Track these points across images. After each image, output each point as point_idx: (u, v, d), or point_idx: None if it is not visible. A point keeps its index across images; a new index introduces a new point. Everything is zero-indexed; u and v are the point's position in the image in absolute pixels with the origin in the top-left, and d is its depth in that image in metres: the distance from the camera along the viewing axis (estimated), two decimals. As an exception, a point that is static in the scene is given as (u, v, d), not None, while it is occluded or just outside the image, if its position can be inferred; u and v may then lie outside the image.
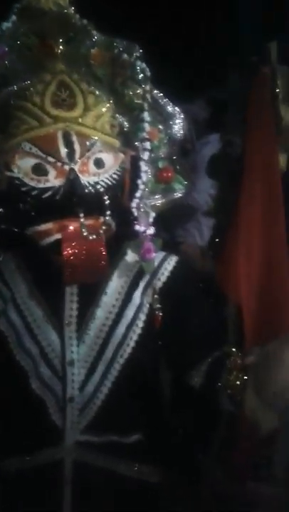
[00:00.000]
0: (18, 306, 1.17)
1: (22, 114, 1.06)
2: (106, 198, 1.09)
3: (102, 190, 1.09)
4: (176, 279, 1.21)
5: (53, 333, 1.15)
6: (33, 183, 1.06)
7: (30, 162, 1.06)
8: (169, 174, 1.20)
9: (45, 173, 1.06)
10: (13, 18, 1.13)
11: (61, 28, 1.14)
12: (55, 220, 1.07)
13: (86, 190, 1.06)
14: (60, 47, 1.12)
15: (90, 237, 1.06)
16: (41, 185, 1.06)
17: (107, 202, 1.09)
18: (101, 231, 1.09)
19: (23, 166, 1.07)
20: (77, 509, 1.15)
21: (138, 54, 1.19)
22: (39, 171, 1.06)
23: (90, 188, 1.08)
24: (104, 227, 1.10)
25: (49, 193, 1.06)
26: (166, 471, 1.21)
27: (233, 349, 1.12)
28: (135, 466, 1.19)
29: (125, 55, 1.17)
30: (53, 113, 1.06)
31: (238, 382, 1.06)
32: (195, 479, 1.26)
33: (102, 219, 1.10)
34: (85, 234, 1.06)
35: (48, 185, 1.06)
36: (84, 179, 1.07)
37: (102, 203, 1.09)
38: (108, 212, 1.09)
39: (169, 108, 1.23)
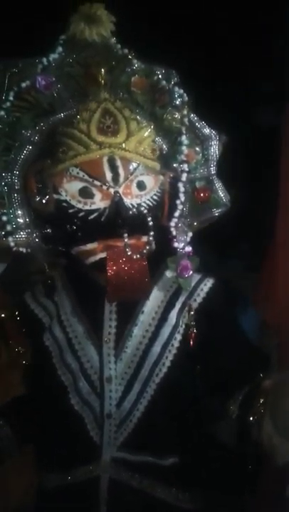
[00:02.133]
0: (62, 322, 1.20)
1: (69, 141, 1.10)
2: (149, 218, 1.11)
3: (144, 211, 1.11)
4: (212, 301, 1.21)
5: (93, 350, 1.17)
6: (79, 205, 1.10)
7: (77, 186, 1.10)
8: (206, 194, 1.22)
9: (91, 196, 1.09)
10: (59, 49, 1.18)
11: (104, 58, 1.19)
12: (100, 240, 1.09)
13: (130, 212, 1.09)
14: (103, 75, 1.17)
15: (134, 257, 1.08)
16: (87, 207, 1.09)
17: (150, 223, 1.11)
18: (144, 251, 1.11)
19: (70, 189, 1.10)
20: None
21: (176, 80, 1.23)
22: (86, 194, 1.09)
23: (134, 209, 1.10)
24: (147, 247, 1.12)
25: (95, 215, 1.09)
26: (205, 499, 1.19)
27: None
28: (172, 490, 1.17)
29: (164, 82, 1.20)
30: (99, 139, 1.09)
31: (261, 409, 1.04)
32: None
33: (144, 239, 1.12)
34: (128, 253, 1.08)
35: (94, 207, 1.09)
36: (127, 201, 1.10)
37: (145, 223, 1.11)
38: (151, 233, 1.12)
39: (206, 130, 1.25)
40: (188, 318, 1.17)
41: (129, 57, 1.20)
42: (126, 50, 1.21)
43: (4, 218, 1.13)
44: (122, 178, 1.10)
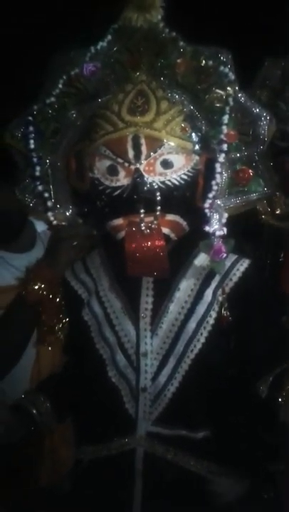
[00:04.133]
0: (100, 298, 1.24)
1: (102, 121, 1.13)
2: (172, 197, 1.11)
3: (167, 189, 1.11)
4: (247, 282, 1.19)
5: (130, 325, 1.20)
6: (107, 182, 1.13)
7: (105, 164, 1.12)
8: (246, 175, 1.16)
9: (117, 173, 1.12)
10: (108, 37, 1.21)
11: (150, 42, 1.19)
12: (123, 216, 1.12)
13: (146, 188, 1.09)
14: (146, 59, 1.18)
15: (146, 231, 1.08)
16: (113, 184, 1.12)
17: (174, 201, 1.11)
18: (162, 228, 1.11)
19: (100, 167, 1.13)
20: (147, 500, 1.17)
21: (225, 59, 1.20)
22: (112, 171, 1.12)
23: (155, 186, 1.10)
24: (171, 225, 1.12)
25: (118, 191, 1.11)
26: (234, 473, 1.18)
27: None
28: (204, 463, 1.17)
29: (210, 62, 1.19)
30: (126, 118, 1.10)
31: None
32: (263, 487, 1.20)
33: (170, 217, 1.12)
34: (143, 229, 1.09)
35: (119, 184, 1.12)
36: (150, 178, 1.10)
37: (169, 201, 1.11)
38: (174, 210, 1.11)
39: (255, 110, 1.20)
40: (222, 298, 1.16)
41: (176, 40, 1.20)
42: (173, 34, 1.22)
43: (46, 195, 1.19)
44: (143, 156, 1.10)
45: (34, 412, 1.23)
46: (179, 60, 1.19)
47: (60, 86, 1.21)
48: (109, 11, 1.24)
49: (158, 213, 1.10)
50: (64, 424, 1.32)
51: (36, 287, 1.22)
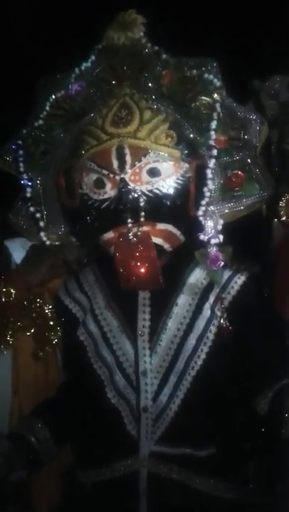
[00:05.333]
0: (96, 316, 1.19)
1: (87, 137, 1.11)
2: (161, 205, 1.07)
3: (155, 197, 1.07)
4: (245, 295, 1.14)
5: (128, 343, 1.14)
6: (95, 196, 1.10)
7: (92, 177, 1.10)
8: (239, 179, 1.12)
9: (103, 185, 1.09)
10: (92, 58, 1.21)
11: (133, 58, 1.18)
12: (113, 228, 1.08)
13: (131, 197, 1.05)
14: (129, 74, 1.17)
15: (133, 240, 1.04)
16: (101, 197, 1.09)
17: (163, 209, 1.07)
18: (154, 237, 1.07)
19: (88, 182, 1.11)
20: None
21: (210, 67, 1.19)
22: (99, 184, 1.09)
23: (142, 195, 1.06)
24: (163, 235, 1.08)
25: (106, 204, 1.08)
26: (241, 489, 1.11)
27: None
28: (210, 480, 1.10)
29: (194, 71, 1.17)
30: (110, 131, 1.08)
31: None
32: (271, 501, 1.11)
33: (161, 226, 1.08)
34: (131, 239, 1.05)
35: (106, 196, 1.09)
36: (136, 187, 1.07)
37: (158, 209, 1.07)
38: (165, 219, 1.08)
39: (244, 115, 1.17)
40: (221, 312, 1.11)
41: (159, 53, 1.20)
42: (156, 48, 1.21)
43: (38, 215, 1.17)
44: (128, 165, 1.07)
45: (33, 440, 1.16)
46: (163, 72, 1.18)
47: (48, 108, 1.22)
48: (93, 32, 1.26)
49: (142, 220, 1.06)
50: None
51: (5, 291, 1.18)
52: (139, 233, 1.06)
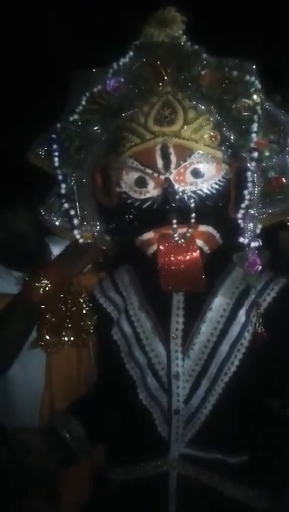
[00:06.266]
0: (130, 317, 1.17)
1: (128, 134, 1.09)
2: (204, 206, 1.05)
3: (199, 199, 1.05)
4: (282, 301, 1.11)
5: (160, 346, 1.13)
6: (136, 195, 1.08)
7: (133, 176, 1.08)
8: (279, 183, 1.09)
9: (146, 185, 1.07)
10: (130, 53, 1.19)
11: (172, 56, 1.16)
12: (154, 228, 1.06)
13: (178, 197, 1.03)
14: (168, 71, 1.15)
15: (179, 242, 1.03)
16: (142, 197, 1.07)
17: (206, 211, 1.05)
18: (197, 239, 1.05)
19: (128, 180, 1.09)
20: None
21: (250, 69, 1.17)
22: (141, 183, 1.07)
23: (186, 196, 1.05)
24: (204, 237, 1.07)
25: (148, 203, 1.06)
26: (276, 498, 1.09)
27: None
28: (241, 488, 1.09)
29: (235, 72, 1.16)
30: (154, 129, 1.06)
31: None
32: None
33: (203, 228, 1.06)
34: (177, 240, 1.03)
35: (148, 195, 1.07)
36: (180, 188, 1.05)
37: (201, 211, 1.05)
38: (207, 221, 1.06)
39: (284, 118, 1.16)
40: (256, 318, 1.08)
41: (199, 53, 1.17)
42: (196, 47, 1.19)
43: (72, 212, 1.14)
44: (173, 165, 1.05)
45: (67, 436, 1.16)
46: (203, 72, 1.16)
47: (84, 103, 1.18)
48: (130, 28, 1.23)
49: (192, 221, 1.04)
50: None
51: (41, 285, 1.15)
52: (188, 234, 1.04)
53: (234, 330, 1.11)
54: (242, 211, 1.08)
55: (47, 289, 1.15)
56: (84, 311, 1.18)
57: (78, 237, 1.15)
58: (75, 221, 1.15)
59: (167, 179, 1.05)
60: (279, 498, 1.09)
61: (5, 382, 1.41)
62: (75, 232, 1.15)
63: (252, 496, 1.09)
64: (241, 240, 1.06)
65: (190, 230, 1.05)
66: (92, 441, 1.20)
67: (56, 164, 1.16)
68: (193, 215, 1.04)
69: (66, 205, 1.16)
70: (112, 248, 1.18)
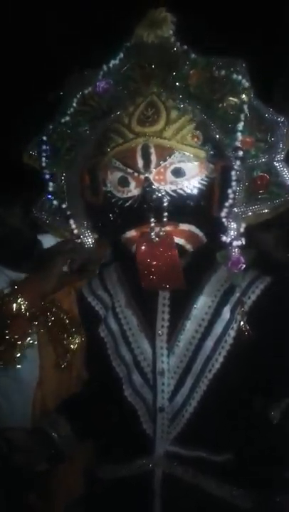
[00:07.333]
0: (116, 314, 1.18)
1: (113, 135, 1.10)
2: (184, 205, 1.05)
3: (179, 197, 1.05)
4: (267, 300, 1.10)
5: (146, 343, 1.13)
6: (119, 194, 1.09)
7: (117, 176, 1.09)
8: (264, 182, 1.08)
9: (128, 184, 1.08)
10: (120, 55, 1.20)
11: (162, 57, 1.16)
12: (136, 227, 1.07)
13: (155, 196, 1.04)
14: (158, 73, 1.15)
15: (155, 240, 1.03)
16: (124, 196, 1.08)
17: (186, 209, 1.05)
18: (176, 238, 1.05)
19: (112, 179, 1.10)
20: None
21: (238, 68, 1.17)
22: (123, 182, 1.08)
23: (166, 195, 1.05)
24: (186, 235, 1.07)
25: (130, 202, 1.07)
26: (260, 497, 1.07)
27: None
28: (226, 487, 1.08)
29: (223, 71, 1.15)
30: (136, 129, 1.07)
31: None
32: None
33: (184, 227, 1.06)
34: (153, 238, 1.03)
35: (130, 194, 1.08)
36: (161, 187, 1.05)
37: (181, 209, 1.05)
38: (188, 220, 1.06)
39: (271, 116, 1.14)
40: (241, 315, 1.08)
41: (188, 52, 1.18)
42: (185, 47, 1.19)
43: (64, 206, 1.17)
44: (153, 164, 1.05)
45: (54, 435, 1.16)
46: (191, 72, 1.16)
47: (75, 105, 1.20)
48: (121, 29, 1.25)
49: (165, 220, 1.04)
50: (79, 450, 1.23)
51: (15, 303, 1.11)
52: (161, 233, 1.04)
53: (218, 327, 1.10)
54: (226, 210, 1.07)
55: (21, 306, 1.12)
56: (68, 330, 1.19)
57: (74, 226, 1.16)
58: (68, 212, 1.17)
59: (147, 178, 1.06)
60: (263, 498, 1.08)
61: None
62: (71, 221, 1.16)
63: (236, 495, 1.09)
64: (224, 238, 1.06)
65: (164, 228, 1.05)
66: (80, 440, 1.20)
67: (43, 164, 1.18)
68: (166, 213, 1.04)
69: (55, 202, 1.18)
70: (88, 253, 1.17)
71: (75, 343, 1.24)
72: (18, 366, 1.15)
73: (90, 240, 1.18)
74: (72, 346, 1.25)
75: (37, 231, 1.52)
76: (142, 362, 1.13)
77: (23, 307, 1.11)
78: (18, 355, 1.11)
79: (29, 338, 1.12)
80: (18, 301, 1.11)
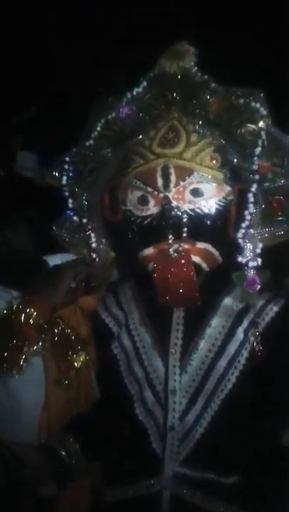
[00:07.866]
0: (130, 331, 1.19)
1: (134, 156, 1.14)
2: (201, 224, 1.07)
3: (196, 216, 1.08)
4: (281, 322, 1.10)
5: (159, 361, 1.13)
6: (138, 213, 1.12)
7: (137, 194, 1.12)
8: (280, 204, 1.10)
9: (147, 202, 1.11)
10: (144, 83, 1.26)
11: (183, 87, 1.21)
12: (153, 244, 1.09)
13: (174, 214, 1.06)
14: (179, 100, 1.19)
15: (173, 256, 1.05)
16: (144, 214, 1.11)
17: (203, 228, 1.08)
18: (193, 256, 1.07)
19: (132, 199, 1.13)
20: None
21: (255, 96, 1.21)
22: (143, 201, 1.11)
23: (184, 214, 1.07)
24: (202, 254, 1.08)
25: (148, 220, 1.10)
26: None
27: None
28: (234, 508, 1.05)
29: (241, 100, 1.20)
30: (157, 151, 1.11)
31: None
32: None
33: (201, 245, 1.08)
34: (172, 255, 1.05)
35: (149, 212, 1.10)
36: (179, 205, 1.08)
37: (198, 228, 1.07)
38: (204, 238, 1.08)
39: (288, 143, 1.18)
40: (254, 337, 1.08)
41: (208, 82, 1.23)
42: (205, 77, 1.25)
43: (84, 220, 1.21)
44: (172, 184, 1.08)
45: (63, 453, 1.14)
46: (211, 100, 1.21)
47: (99, 129, 1.25)
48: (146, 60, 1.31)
49: (184, 235, 1.07)
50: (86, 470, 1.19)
51: (24, 313, 1.10)
52: (180, 248, 1.06)
53: (232, 347, 1.10)
54: (242, 231, 1.09)
55: (31, 317, 1.11)
56: (74, 347, 1.19)
57: (93, 240, 1.19)
58: (89, 226, 1.20)
59: (166, 197, 1.09)
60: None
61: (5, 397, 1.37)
62: (92, 235, 1.19)
63: None
64: (240, 259, 1.07)
65: (182, 245, 1.07)
66: (88, 459, 1.17)
67: (64, 182, 1.23)
68: (185, 229, 1.07)
69: (75, 218, 1.22)
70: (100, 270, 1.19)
71: (79, 360, 1.24)
72: (23, 382, 1.15)
73: (103, 256, 1.20)
74: (75, 364, 1.24)
75: (42, 252, 1.51)
76: (154, 380, 1.13)
77: (31, 318, 1.11)
78: (23, 361, 1.10)
79: (35, 347, 1.11)
80: (28, 311, 1.11)
